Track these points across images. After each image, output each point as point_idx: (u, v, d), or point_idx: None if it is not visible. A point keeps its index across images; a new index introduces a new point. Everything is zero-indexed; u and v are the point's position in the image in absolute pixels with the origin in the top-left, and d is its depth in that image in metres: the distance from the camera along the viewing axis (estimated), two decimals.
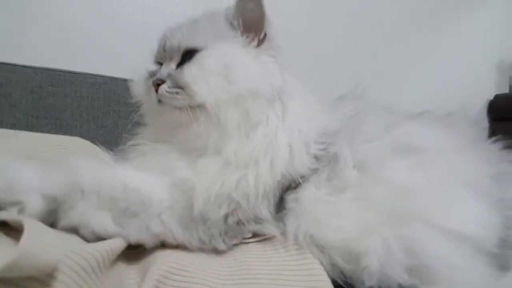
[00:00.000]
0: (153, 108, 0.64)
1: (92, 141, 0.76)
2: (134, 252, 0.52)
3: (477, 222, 0.52)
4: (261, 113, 0.60)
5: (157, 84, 0.61)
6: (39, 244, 0.35)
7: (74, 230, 0.47)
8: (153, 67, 0.70)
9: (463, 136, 0.64)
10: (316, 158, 0.60)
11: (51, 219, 0.47)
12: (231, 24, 0.64)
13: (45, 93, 1.01)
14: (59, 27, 1.15)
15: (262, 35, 0.64)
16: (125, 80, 1.09)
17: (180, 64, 0.63)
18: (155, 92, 0.61)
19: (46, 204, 0.46)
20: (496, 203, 0.55)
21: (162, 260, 0.48)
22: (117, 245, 0.46)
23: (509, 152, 0.64)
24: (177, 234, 0.53)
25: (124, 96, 1.09)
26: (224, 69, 0.59)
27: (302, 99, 0.66)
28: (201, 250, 0.54)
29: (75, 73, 1.07)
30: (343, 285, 0.53)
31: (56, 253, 0.36)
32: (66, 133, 1.01)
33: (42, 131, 0.98)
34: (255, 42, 0.64)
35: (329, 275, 0.52)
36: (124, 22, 1.25)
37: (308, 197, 0.57)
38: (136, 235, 0.50)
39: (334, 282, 0.52)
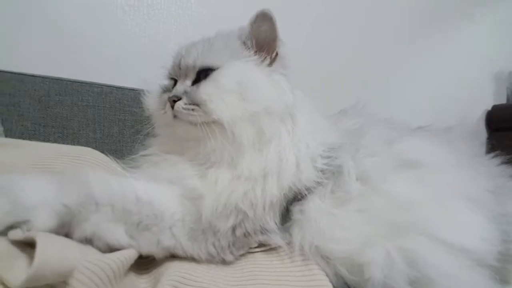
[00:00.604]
0: (168, 123, 0.65)
1: (99, 150, 0.77)
2: (145, 262, 0.53)
3: (476, 235, 0.54)
4: (274, 129, 0.62)
5: (173, 101, 0.62)
6: (53, 254, 0.37)
7: (88, 242, 0.48)
8: (167, 82, 0.72)
9: (463, 151, 0.66)
10: (322, 172, 0.61)
11: (62, 233, 0.47)
12: (244, 43, 0.66)
13: (52, 102, 1.02)
14: (66, 38, 1.18)
15: (274, 54, 0.66)
16: (130, 90, 1.13)
17: (195, 81, 0.64)
18: (171, 108, 0.63)
19: (56, 219, 0.46)
20: (495, 217, 0.57)
21: (173, 270, 0.50)
22: (131, 255, 0.47)
23: (507, 167, 0.66)
24: (187, 247, 0.54)
25: (129, 105, 1.11)
26: (239, 87, 0.61)
27: (310, 114, 0.68)
28: (209, 262, 0.55)
29: (82, 82, 1.08)
30: None
31: (70, 258, 0.37)
32: (72, 141, 1.02)
33: (49, 140, 1.00)
34: (267, 61, 0.66)
35: (334, 286, 0.53)
36: (128, 33, 1.28)
37: (313, 209, 0.59)
38: (147, 248, 0.52)
39: None
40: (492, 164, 0.68)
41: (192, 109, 0.61)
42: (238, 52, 0.65)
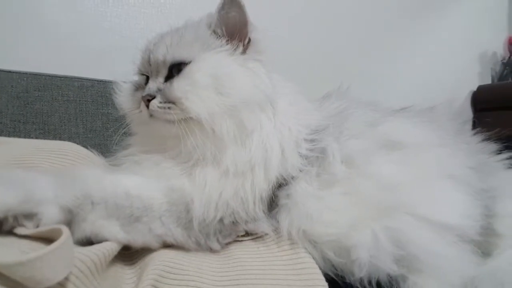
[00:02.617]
0: (144, 121, 0.63)
1: (82, 145, 0.76)
2: (130, 253, 0.53)
3: (459, 212, 0.55)
4: (255, 120, 0.61)
5: (148, 100, 0.60)
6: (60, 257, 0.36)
7: (88, 241, 0.48)
8: (138, 78, 0.69)
9: (445, 130, 0.67)
10: (306, 158, 0.61)
11: None
12: (214, 32, 0.64)
13: (32, 98, 1.00)
14: (44, 31, 1.14)
15: (247, 40, 0.64)
16: (112, 83, 1.10)
17: (168, 77, 0.62)
18: (146, 108, 0.61)
19: (63, 215, 0.47)
20: (477, 193, 0.58)
21: (158, 259, 0.49)
22: (113, 246, 0.47)
23: (488, 144, 0.67)
24: (176, 234, 0.54)
25: (112, 99, 1.09)
26: (215, 81, 0.59)
27: (290, 97, 0.67)
28: (197, 250, 0.55)
29: (62, 77, 1.05)
30: (334, 277, 0.55)
31: (62, 270, 0.36)
32: (54, 137, 1.00)
33: (30, 137, 0.98)
34: (240, 48, 0.63)
35: (321, 269, 0.53)
36: (109, 24, 1.25)
37: (299, 193, 0.59)
38: (142, 239, 0.52)
39: (325, 275, 0.53)
40: (473, 141, 0.68)
41: (168, 107, 0.59)
42: (209, 42, 0.63)
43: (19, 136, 0.95)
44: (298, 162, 0.60)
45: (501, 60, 2.01)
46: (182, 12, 1.32)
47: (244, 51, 0.64)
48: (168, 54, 0.62)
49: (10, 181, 0.45)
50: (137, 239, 0.51)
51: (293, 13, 1.54)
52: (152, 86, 0.62)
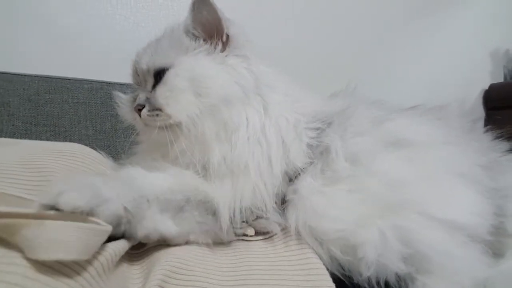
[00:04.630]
0: (142, 130, 0.67)
1: (91, 146, 0.77)
2: (137, 253, 0.53)
3: (469, 211, 0.54)
4: (238, 116, 0.61)
5: (139, 110, 0.63)
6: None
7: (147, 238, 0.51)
8: (135, 89, 0.71)
9: (454, 128, 0.66)
10: (310, 147, 0.61)
11: (119, 232, 0.49)
12: (193, 34, 0.64)
13: (42, 101, 1.02)
14: (54, 34, 1.16)
15: (225, 37, 0.64)
16: (121, 85, 1.11)
17: (155, 85, 0.64)
18: (139, 117, 0.63)
19: (115, 218, 0.47)
20: (487, 192, 0.57)
21: (165, 259, 0.49)
22: (120, 246, 0.47)
23: (500, 142, 0.66)
24: (211, 222, 0.56)
25: None
26: (192, 84, 0.60)
27: (283, 88, 0.67)
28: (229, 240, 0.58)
29: (72, 79, 1.07)
30: (342, 278, 0.54)
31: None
32: (65, 139, 1.02)
33: (41, 138, 0.99)
34: (220, 46, 0.64)
35: (328, 269, 0.53)
36: (118, 27, 1.26)
37: (305, 188, 0.59)
38: (188, 226, 0.54)
39: (333, 275, 0.52)
40: (484, 139, 0.67)
41: (157, 115, 0.61)
42: (186, 45, 0.64)
43: (30, 138, 0.97)
44: (302, 151, 0.61)
45: None
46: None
47: (223, 48, 0.64)
48: (149, 62, 0.63)
49: (82, 186, 0.45)
50: (186, 229, 0.54)
51: (298, 14, 1.53)
52: (142, 96, 0.64)
